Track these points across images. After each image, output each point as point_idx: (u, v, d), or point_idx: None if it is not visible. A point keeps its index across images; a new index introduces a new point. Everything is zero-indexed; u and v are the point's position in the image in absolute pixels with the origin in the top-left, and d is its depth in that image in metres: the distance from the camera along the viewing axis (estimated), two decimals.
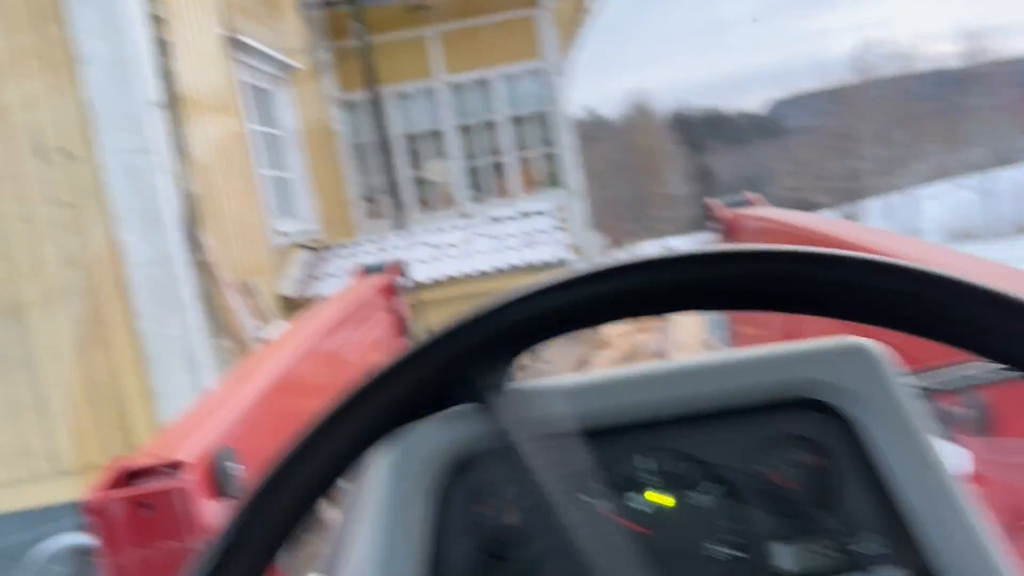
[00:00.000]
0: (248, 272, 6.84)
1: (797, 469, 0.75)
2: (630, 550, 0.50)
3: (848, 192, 29.46)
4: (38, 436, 5.68)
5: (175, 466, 0.93)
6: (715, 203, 2.45)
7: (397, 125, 10.67)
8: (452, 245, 8.07)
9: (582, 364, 3.47)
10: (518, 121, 10.93)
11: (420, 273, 7.60)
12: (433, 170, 10.96)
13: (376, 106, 10.17)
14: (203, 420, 1.10)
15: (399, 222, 10.09)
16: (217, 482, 0.95)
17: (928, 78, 31.52)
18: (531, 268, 7.56)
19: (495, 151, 10.94)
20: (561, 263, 7.59)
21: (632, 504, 0.75)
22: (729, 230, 2.34)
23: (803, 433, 0.75)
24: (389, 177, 10.18)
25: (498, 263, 7.62)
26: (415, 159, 11.05)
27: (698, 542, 0.74)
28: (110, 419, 5.73)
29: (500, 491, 0.72)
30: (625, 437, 0.76)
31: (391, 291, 2.22)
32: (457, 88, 10.72)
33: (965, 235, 25.27)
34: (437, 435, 0.67)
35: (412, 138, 10.96)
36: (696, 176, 47.85)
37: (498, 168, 10.96)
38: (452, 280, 7.54)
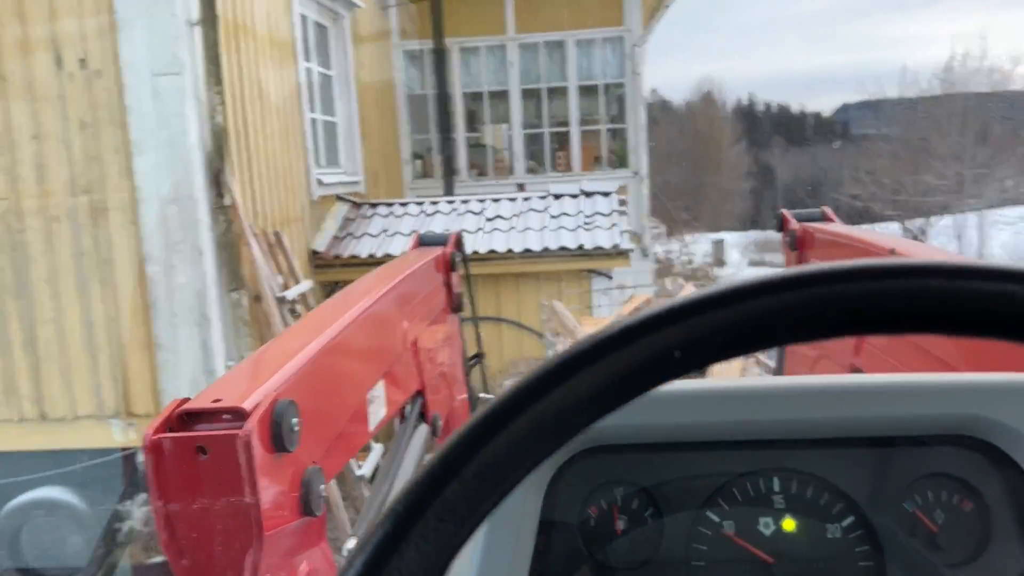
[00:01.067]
0: (278, 222, 6.22)
1: (947, 511, 0.69)
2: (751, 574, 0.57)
3: (915, 207, 28.16)
4: (26, 377, 5.15)
5: (237, 413, 0.85)
6: (789, 213, 2.29)
7: (458, 81, 9.94)
8: (502, 217, 7.38)
9: None
10: (588, 91, 10.12)
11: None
12: (491, 134, 10.23)
13: (439, 58, 9.45)
14: (264, 371, 1.00)
15: (448, 186, 9.40)
16: (276, 435, 0.87)
17: (1017, 99, 29.94)
18: (584, 253, 6.85)
19: (560, 121, 10.17)
20: (616, 250, 6.87)
21: (760, 528, 0.70)
22: (799, 243, 2.19)
23: (959, 473, 0.70)
24: (444, 136, 9.47)
25: (549, 243, 6.91)
26: (472, 121, 10.33)
27: (826, 575, 0.68)
28: (106, 367, 5.17)
29: (611, 493, 0.70)
30: (761, 453, 0.71)
31: (447, 265, 2.03)
32: (527, 48, 9.94)
33: None
34: None
35: (472, 97, 10.23)
36: (756, 172, 46.52)
37: (560, 139, 10.19)
38: (495, 255, 6.86)
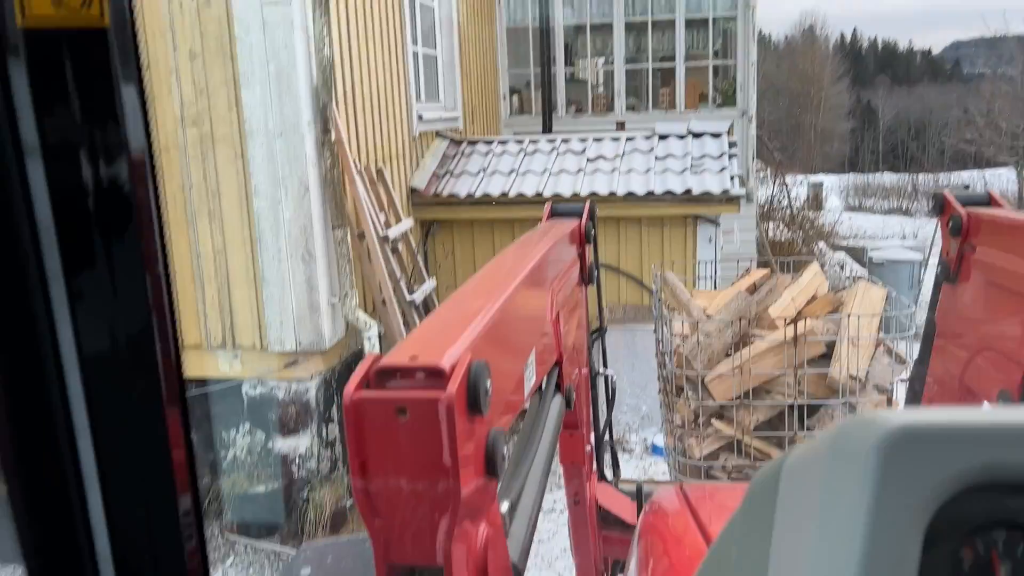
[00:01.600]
0: (380, 158, 6.14)
1: None
2: None
3: None
4: None
5: (433, 371, 0.83)
6: (951, 196, 2.06)
7: (560, 14, 9.59)
8: (605, 158, 7.13)
9: (731, 347, 2.71)
10: (696, 24, 9.65)
11: (564, 186, 6.74)
12: (591, 69, 9.89)
13: None
14: (451, 330, 0.94)
15: (546, 122, 9.16)
16: (472, 397, 0.85)
17: None
18: (690, 198, 6.57)
19: (663, 56, 9.74)
20: (727, 195, 6.56)
21: None
22: (964, 231, 1.97)
23: None
24: (545, 71, 9.18)
25: (655, 186, 6.65)
26: (572, 55, 10.00)
27: None
28: (213, 299, 5.24)
29: (990, 535, 0.59)
30: None
31: (582, 237, 2.02)
32: None
33: None
34: (952, 447, 0.53)
35: (575, 30, 9.88)
36: (857, 112, 44.45)
37: (664, 76, 9.78)
38: (597, 198, 6.64)
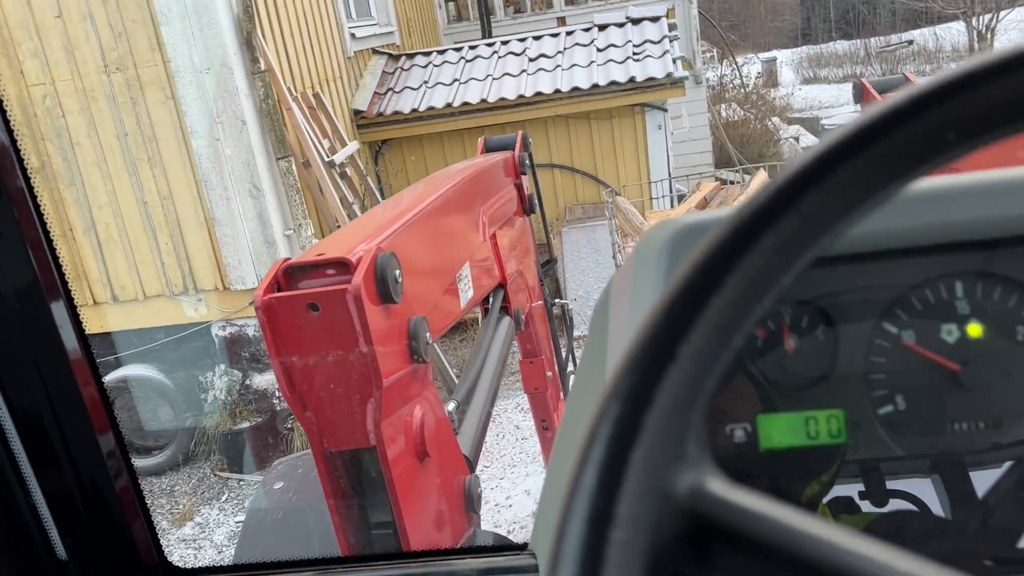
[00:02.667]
0: (315, 82, 6.02)
1: None
2: (933, 385, 0.58)
3: (982, 2, 26.26)
4: (92, 261, 5.21)
5: (341, 265, 0.87)
6: (869, 84, 2.15)
7: None
8: (546, 56, 7.03)
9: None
10: None
11: (508, 90, 6.66)
12: None
13: None
14: (362, 231, 1.00)
15: (486, 27, 8.97)
16: (382, 287, 0.88)
17: None
18: (635, 86, 6.52)
19: None
20: (671, 80, 6.52)
21: (943, 336, 0.67)
22: None
23: None
24: None
25: (599, 78, 6.59)
26: None
27: (1018, 379, 0.65)
28: (167, 246, 5.20)
29: (778, 312, 0.68)
30: (939, 258, 0.67)
31: (516, 168, 2.05)
32: None
33: None
34: None
35: None
36: None
37: None
38: (543, 97, 6.58)
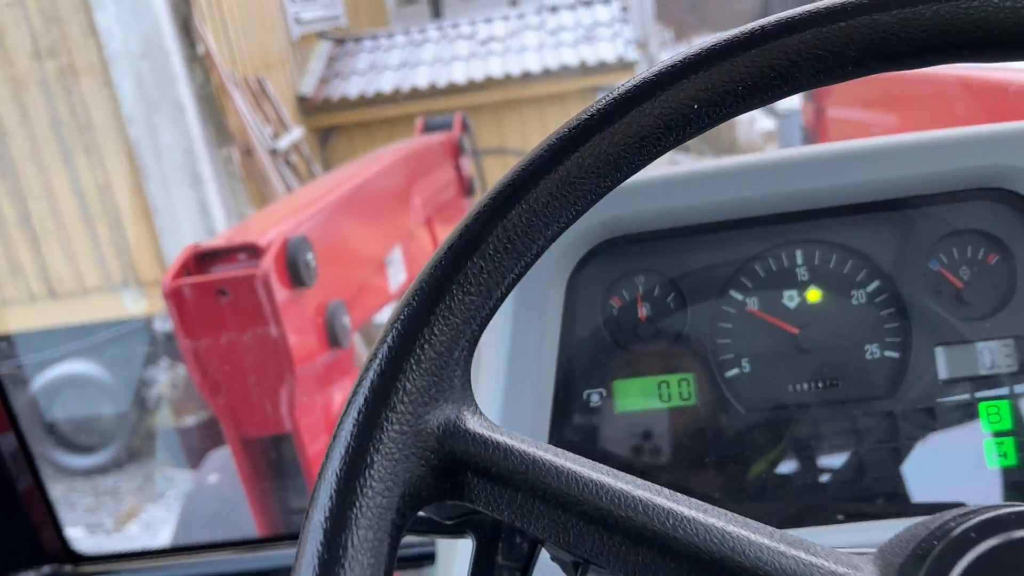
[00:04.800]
0: (258, 67, 5.88)
1: (972, 267, 0.70)
2: (774, 348, 0.63)
3: None
4: (28, 255, 5.05)
5: (251, 249, 0.91)
6: None
7: None
8: (496, 39, 6.94)
9: None
10: None
11: (457, 74, 6.57)
12: None
13: None
14: (276, 215, 1.05)
15: (436, 9, 8.84)
16: (293, 270, 0.91)
17: None
18: (587, 69, 6.48)
19: None
20: (622, 63, 6.49)
21: (785, 301, 0.71)
22: (817, 94, 2.04)
23: (983, 227, 0.70)
24: None
25: (550, 62, 6.53)
26: None
27: (852, 341, 0.70)
28: (106, 238, 5.05)
29: (632, 283, 0.72)
30: (781, 228, 0.71)
31: (455, 149, 2.06)
32: None
33: None
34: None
35: None
36: None
37: None
38: (493, 82, 6.51)
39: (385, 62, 6.84)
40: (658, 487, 0.33)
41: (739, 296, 0.73)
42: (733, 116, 0.35)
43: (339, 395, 0.98)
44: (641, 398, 0.73)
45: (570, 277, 0.71)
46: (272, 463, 0.96)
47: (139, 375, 5.23)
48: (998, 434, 0.69)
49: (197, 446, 5.20)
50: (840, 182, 0.70)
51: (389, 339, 0.34)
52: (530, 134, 6.81)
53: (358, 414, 0.34)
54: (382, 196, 1.42)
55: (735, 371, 0.73)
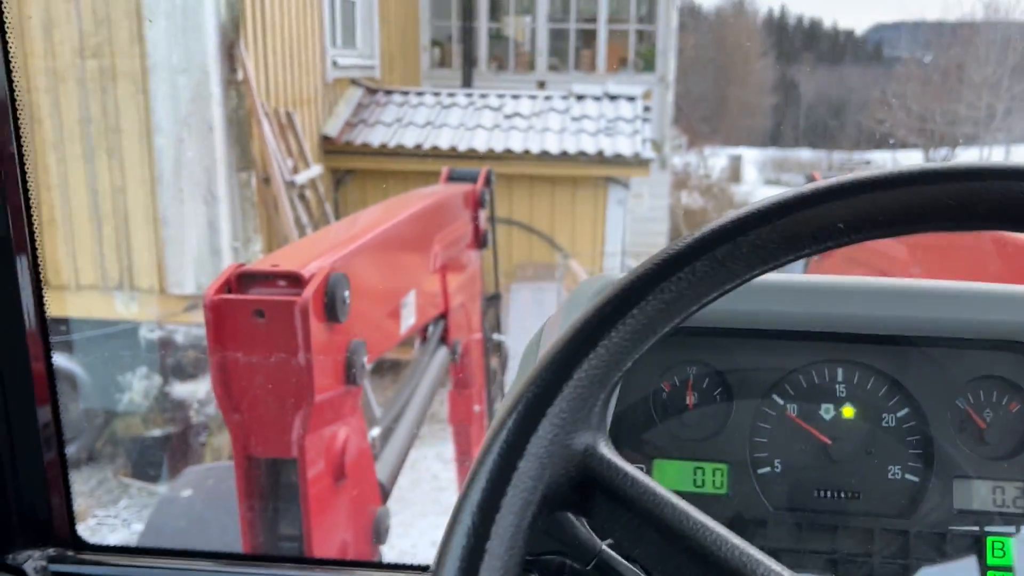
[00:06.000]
0: (290, 102, 6.03)
1: (995, 410, 0.76)
2: (806, 454, 0.69)
3: (942, 136, 27.48)
4: None
5: (293, 278, 0.90)
6: (819, 176, 2.03)
7: None
8: (521, 115, 7.16)
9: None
10: None
11: (479, 142, 6.75)
12: (514, 26, 9.85)
13: None
14: (318, 248, 1.06)
15: (467, 77, 9.11)
16: (330, 305, 0.90)
17: None
18: (602, 159, 6.67)
19: (587, 17, 9.77)
20: (638, 159, 6.68)
21: (821, 413, 0.77)
22: None
23: (1009, 376, 0.76)
24: (466, 25, 9.11)
25: (568, 146, 6.72)
26: (496, 10, 9.93)
27: (878, 460, 0.75)
28: (110, 238, 5.10)
29: (684, 371, 0.77)
30: (827, 345, 0.77)
31: (476, 202, 2.11)
32: None
33: None
34: None
35: None
36: (780, 88, 45.31)
37: (586, 37, 9.81)
38: (511, 155, 6.68)
39: (411, 118, 7.02)
40: (749, 544, 0.39)
41: (780, 401, 0.79)
42: (870, 239, 0.42)
43: (344, 430, 1.00)
44: (677, 479, 0.78)
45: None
46: (271, 485, 0.98)
47: (116, 379, 5.20)
48: (998, 568, 0.74)
49: (158, 458, 5.14)
50: (886, 314, 0.75)
51: (555, 360, 0.40)
52: (538, 210, 6.95)
53: (520, 417, 0.39)
54: (411, 240, 1.48)
55: (767, 469, 0.78)
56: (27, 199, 0.89)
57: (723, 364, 0.80)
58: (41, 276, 0.96)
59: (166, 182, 4.95)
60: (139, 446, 5.13)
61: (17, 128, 0.88)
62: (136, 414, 5.20)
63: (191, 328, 5.21)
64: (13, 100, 0.88)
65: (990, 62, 26.44)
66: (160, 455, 5.15)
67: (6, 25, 0.85)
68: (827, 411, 0.78)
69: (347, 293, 0.94)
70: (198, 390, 5.27)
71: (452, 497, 5.25)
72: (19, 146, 0.88)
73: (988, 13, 27.23)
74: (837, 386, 0.78)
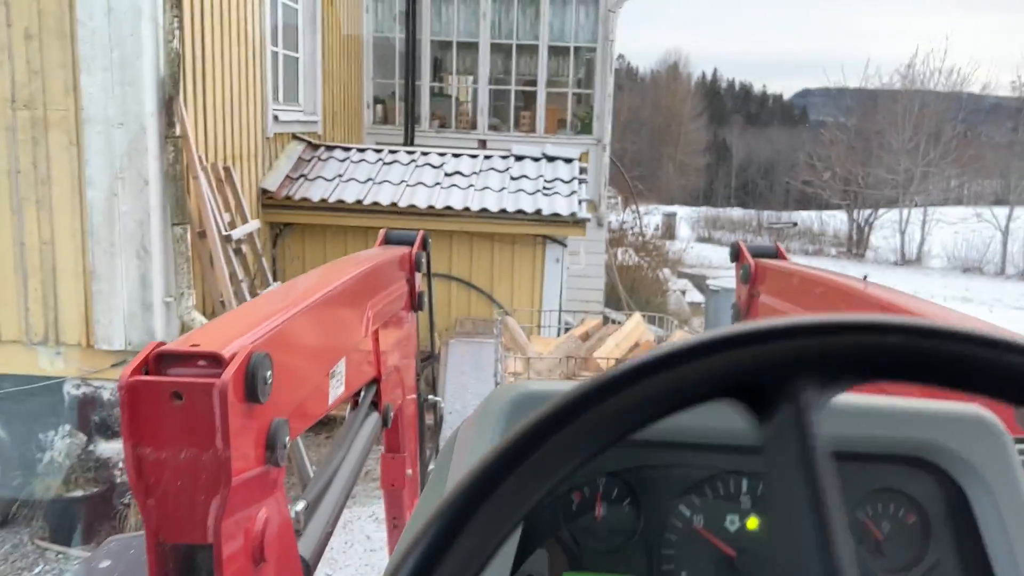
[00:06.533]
0: (229, 156, 6.00)
1: (892, 523, 0.77)
2: (713, 567, 0.69)
3: (864, 198, 28.64)
4: None
5: (213, 359, 0.87)
6: (744, 247, 2.40)
7: (428, 28, 9.67)
8: (461, 174, 7.24)
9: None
10: (559, 52, 9.95)
11: (420, 198, 6.80)
12: (456, 86, 10.01)
13: (410, 2, 9.16)
14: (240, 324, 1.00)
15: (409, 134, 9.20)
16: (250, 386, 0.88)
17: (975, 102, 30.47)
18: (540, 218, 6.77)
19: (527, 80, 9.99)
20: (574, 219, 6.81)
21: (727, 524, 0.76)
22: (752, 278, 2.27)
23: (907, 490, 0.77)
24: (409, 82, 9.22)
25: (507, 205, 6.81)
26: (438, 70, 10.09)
27: (780, 570, 0.60)
28: (36, 292, 4.95)
29: (594, 481, 0.77)
30: (732, 457, 0.76)
31: (412, 264, 2.09)
32: (501, 1, 9.70)
33: (968, 267, 24.71)
34: None
35: (441, 46, 9.97)
36: (712, 148, 46.81)
37: (526, 99, 10.02)
38: (451, 212, 6.74)
39: (352, 173, 7.04)
40: None
41: (687, 512, 0.79)
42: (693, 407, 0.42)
43: (264, 511, 0.97)
44: None
45: None
46: (185, 571, 0.93)
47: (36, 437, 5.00)
48: None
49: (80, 522, 4.94)
50: None
51: (416, 559, 0.36)
52: (478, 266, 7.00)
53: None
54: (341, 310, 1.45)
55: None
56: None
57: (631, 473, 0.79)
58: None
59: (97, 235, 4.85)
60: (58, 508, 4.92)
61: None
62: (56, 475, 5.00)
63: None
64: None
65: (907, 128, 27.78)
66: (80, 518, 4.94)
67: None
68: (732, 522, 0.78)
69: (269, 373, 0.91)
70: (123, 449, 5.09)
71: (384, 559, 5.15)
72: None
73: (905, 83, 28.67)
74: (743, 497, 0.78)
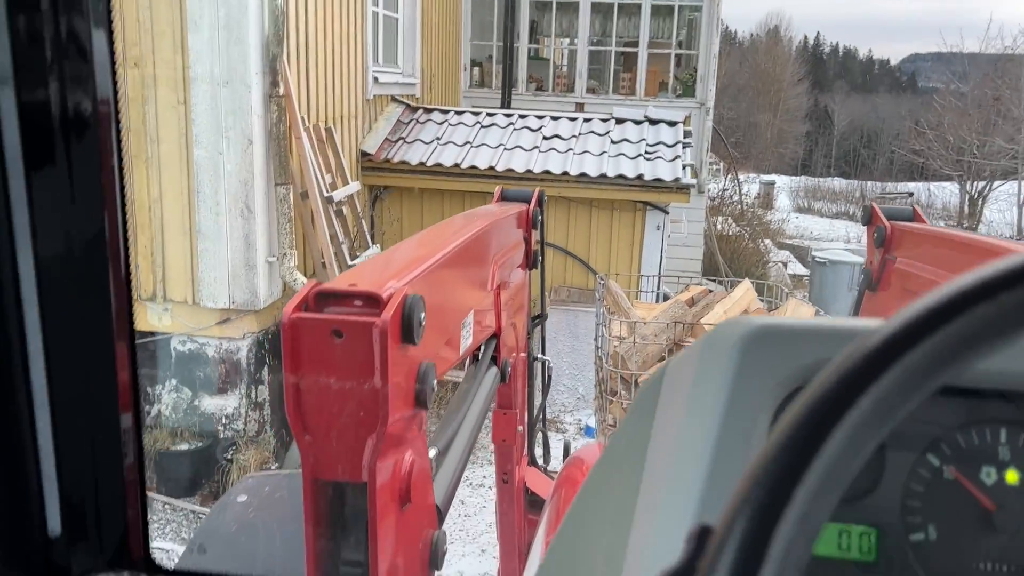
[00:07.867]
0: (330, 117, 5.99)
1: None
2: (965, 521, 0.62)
3: (978, 169, 27.12)
4: None
5: (370, 299, 0.88)
6: (879, 208, 2.24)
7: None
8: (560, 137, 7.07)
9: (666, 351, 2.90)
10: (662, 11, 9.61)
11: (517, 162, 6.67)
12: (556, 48, 9.79)
13: None
14: (393, 267, 1.02)
15: (506, 97, 9.06)
16: (407, 327, 0.90)
17: None
18: (642, 184, 6.56)
19: (628, 41, 9.69)
20: (677, 184, 6.57)
21: (983, 476, 0.70)
22: (887, 242, 2.13)
23: None
24: (507, 46, 9.06)
25: (607, 170, 6.62)
26: (538, 32, 9.89)
27: None
28: (145, 249, 5.06)
29: None
30: (989, 404, 0.70)
31: (529, 222, 2.06)
32: None
33: None
34: (799, 345, 0.66)
35: (539, 6, 9.76)
36: (813, 116, 45.09)
37: (627, 60, 9.73)
38: (549, 176, 6.59)
39: (450, 136, 6.96)
40: None
41: (936, 461, 0.72)
42: None
43: (410, 453, 0.98)
44: (819, 543, 0.70)
45: (774, 414, 0.69)
46: (338, 511, 0.94)
47: (145, 391, 5.14)
48: None
49: (185, 474, 5.07)
50: None
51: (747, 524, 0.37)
52: (575, 233, 6.85)
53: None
54: (474, 261, 1.45)
55: (920, 536, 0.71)
56: (124, 211, 0.87)
57: None
58: (132, 287, 0.92)
59: (204, 194, 4.90)
60: (165, 460, 5.06)
61: (119, 139, 0.85)
62: (164, 427, 5.14)
63: (223, 342, 5.15)
64: (117, 111, 0.85)
65: None
66: (187, 470, 5.07)
67: (114, 35, 0.85)
68: (988, 475, 0.71)
69: (423, 315, 0.91)
70: (227, 405, 5.20)
71: (478, 524, 5.12)
72: (120, 158, 0.86)
73: None
74: (1000, 448, 0.71)
